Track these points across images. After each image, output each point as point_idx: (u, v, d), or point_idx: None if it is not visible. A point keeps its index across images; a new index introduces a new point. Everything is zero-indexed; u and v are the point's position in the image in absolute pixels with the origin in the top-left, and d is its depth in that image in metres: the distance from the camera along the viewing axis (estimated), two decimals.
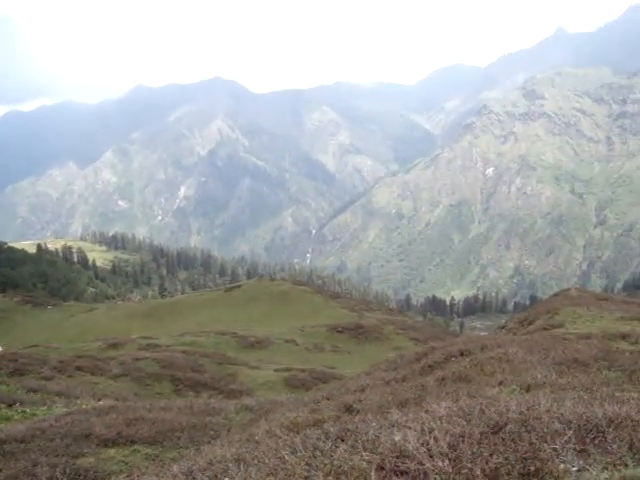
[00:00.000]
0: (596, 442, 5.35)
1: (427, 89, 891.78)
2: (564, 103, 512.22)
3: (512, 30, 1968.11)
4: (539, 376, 11.97)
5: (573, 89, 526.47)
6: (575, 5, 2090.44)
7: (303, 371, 38.95)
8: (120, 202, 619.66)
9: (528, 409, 6.38)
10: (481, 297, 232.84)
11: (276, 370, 39.15)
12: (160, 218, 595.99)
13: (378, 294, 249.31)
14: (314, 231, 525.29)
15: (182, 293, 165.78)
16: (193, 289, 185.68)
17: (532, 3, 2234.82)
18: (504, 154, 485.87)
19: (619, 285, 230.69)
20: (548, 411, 6.20)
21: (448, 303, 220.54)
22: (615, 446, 5.21)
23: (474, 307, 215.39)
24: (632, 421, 5.85)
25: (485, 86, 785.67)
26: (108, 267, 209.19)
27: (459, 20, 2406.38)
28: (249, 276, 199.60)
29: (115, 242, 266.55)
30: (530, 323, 41.59)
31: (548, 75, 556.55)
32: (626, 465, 4.87)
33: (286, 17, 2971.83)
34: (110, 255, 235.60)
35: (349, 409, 11.14)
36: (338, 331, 61.89)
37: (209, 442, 11.12)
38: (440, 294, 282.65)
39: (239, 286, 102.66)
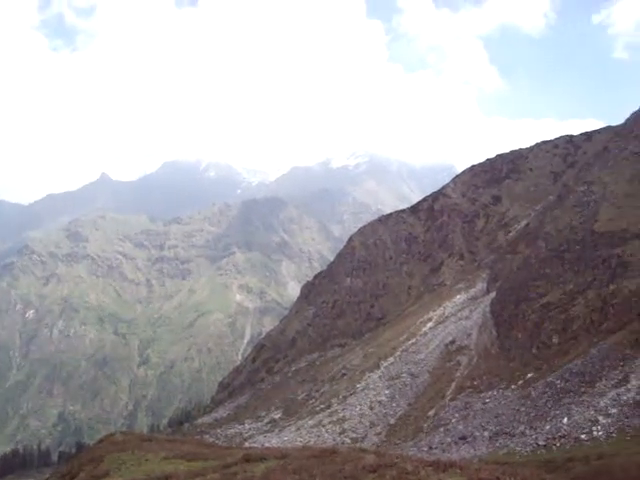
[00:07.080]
0: None
1: None
2: (107, 246, 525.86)
3: (58, 171, 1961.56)
4: None
5: (116, 233, 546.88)
6: (118, 155, 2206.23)
7: None
8: None
9: None
10: (21, 451, 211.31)
11: None
12: None
13: None
14: None
15: None
16: None
17: (78, 148, 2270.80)
18: (46, 296, 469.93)
19: (165, 421, 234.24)
20: None
21: None
22: None
23: (13, 464, 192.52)
24: None
25: (28, 225, 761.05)
26: None
27: None
28: None
29: None
30: (73, 477, 39.70)
31: (92, 218, 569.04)
32: None
33: None
34: None
35: None
36: None
37: None
38: None
39: None
